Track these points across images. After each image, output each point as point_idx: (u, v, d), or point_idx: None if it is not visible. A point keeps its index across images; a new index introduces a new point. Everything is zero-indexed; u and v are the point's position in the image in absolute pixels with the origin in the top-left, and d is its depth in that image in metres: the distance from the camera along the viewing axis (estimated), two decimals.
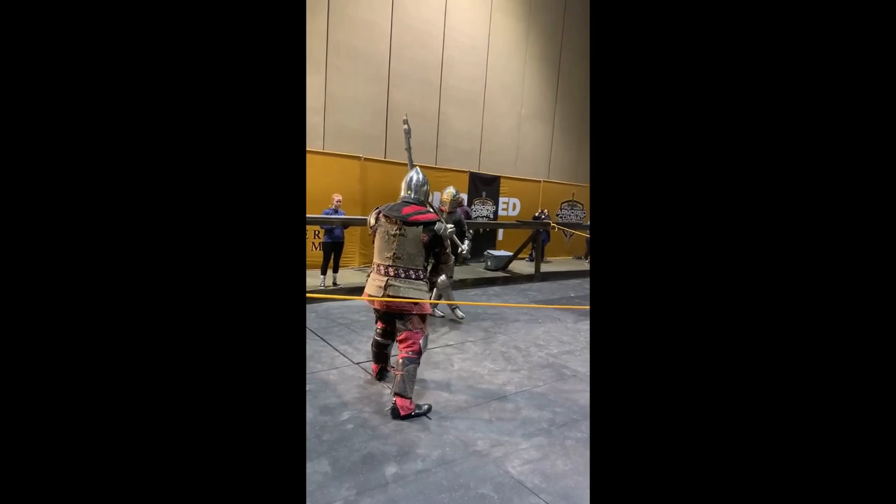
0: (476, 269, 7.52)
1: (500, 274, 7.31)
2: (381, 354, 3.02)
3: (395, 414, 2.53)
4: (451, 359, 3.54)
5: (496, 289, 6.59)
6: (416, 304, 2.62)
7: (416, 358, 2.63)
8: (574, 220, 10.09)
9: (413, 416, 2.54)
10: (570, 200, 10.26)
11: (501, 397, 2.91)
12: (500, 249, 8.17)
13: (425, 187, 2.84)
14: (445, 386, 3.03)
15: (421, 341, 2.68)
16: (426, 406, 2.66)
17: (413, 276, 2.65)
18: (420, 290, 2.67)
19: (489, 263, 7.60)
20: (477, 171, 8.59)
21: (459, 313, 4.60)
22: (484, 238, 8.51)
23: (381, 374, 3.06)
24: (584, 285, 7.37)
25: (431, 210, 2.91)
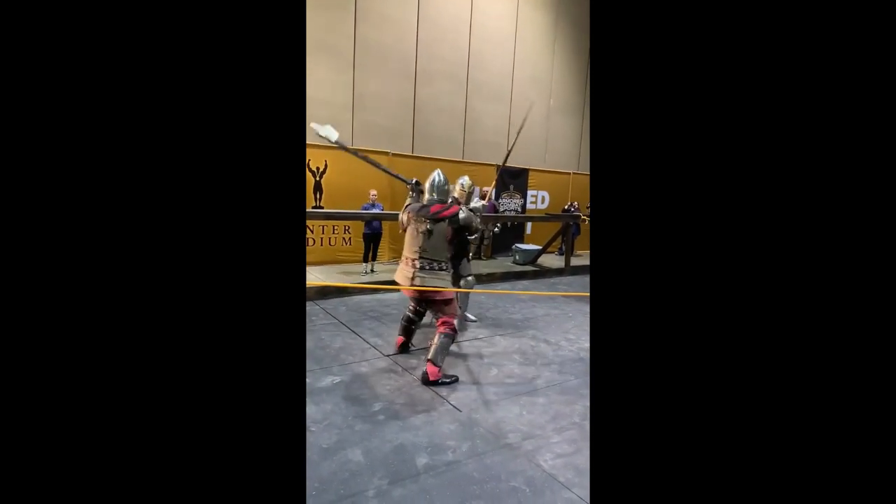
0: (504, 264, 7.47)
1: (529, 268, 7.23)
2: (408, 329, 3.39)
3: (425, 379, 2.89)
4: (480, 352, 3.54)
5: (525, 282, 6.53)
6: (438, 291, 3.03)
7: (451, 334, 3.02)
8: None
9: (440, 384, 2.88)
10: None
11: (532, 391, 2.89)
12: (528, 243, 8.07)
13: (446, 186, 3.25)
14: (475, 379, 3.03)
15: (455, 322, 3.08)
16: (453, 377, 2.97)
17: (437, 268, 3.04)
18: (443, 279, 3.06)
19: (518, 257, 7.52)
20: (505, 165, 8.50)
21: (470, 317, 4.42)
22: (512, 232, 8.43)
23: (404, 348, 3.42)
24: None
25: (453, 204, 3.29)
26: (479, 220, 3.28)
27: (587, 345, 3.85)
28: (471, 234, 3.51)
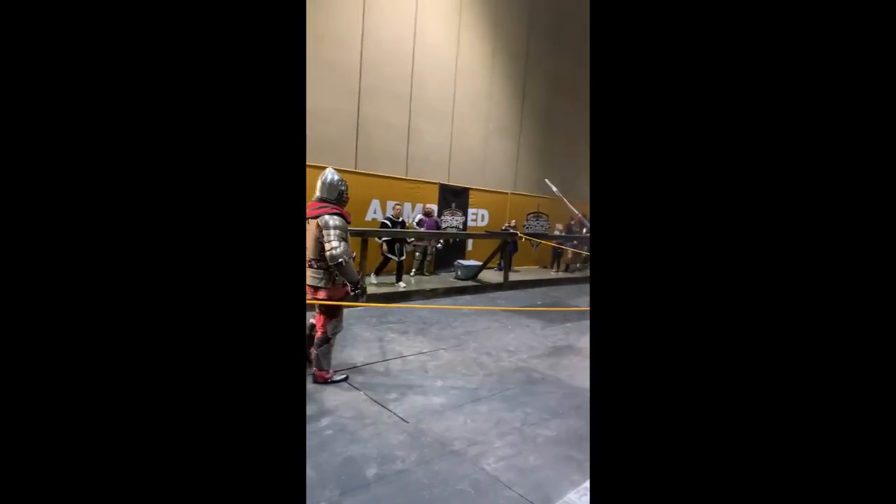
0: (447, 279, 7.65)
1: (470, 283, 7.47)
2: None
3: (315, 380, 3.11)
4: (425, 366, 3.64)
5: (467, 297, 6.74)
6: (315, 290, 3.02)
7: (323, 338, 3.09)
8: (539, 230, 10.43)
9: (330, 383, 3.11)
10: (536, 212, 10.60)
11: (475, 400, 3.04)
12: (469, 259, 8.34)
13: (342, 187, 3.06)
14: (421, 391, 3.12)
15: (329, 327, 3.09)
16: (343, 376, 3.21)
17: (315, 266, 2.99)
18: (319, 278, 2.99)
19: (459, 273, 7.74)
20: (447, 183, 8.78)
21: None
22: (454, 248, 8.67)
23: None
24: (550, 293, 7.64)
25: (330, 207, 3.00)
26: (339, 245, 2.87)
27: (525, 355, 4.08)
28: (331, 255, 2.87)
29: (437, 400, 3.00)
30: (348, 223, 3.01)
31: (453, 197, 8.82)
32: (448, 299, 6.53)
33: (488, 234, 8.63)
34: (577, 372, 3.76)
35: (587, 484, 2.17)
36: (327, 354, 3.12)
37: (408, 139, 8.40)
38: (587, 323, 5.65)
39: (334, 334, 3.12)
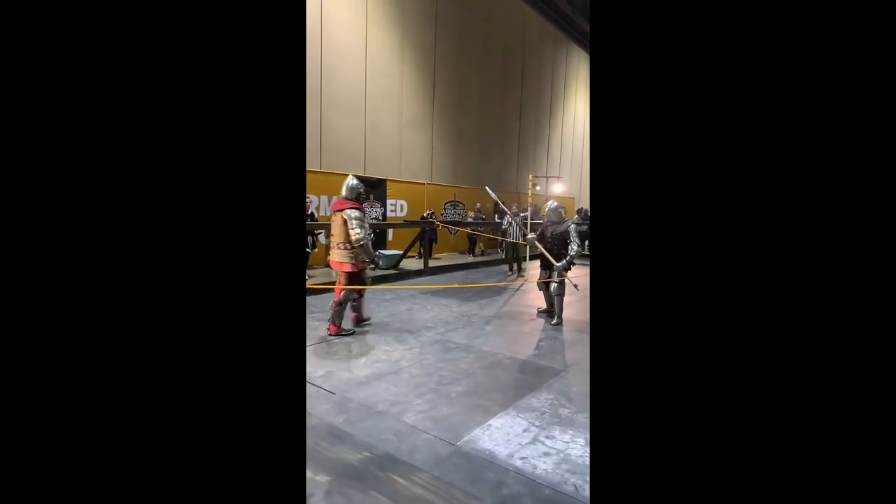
0: (368, 269, 7.84)
1: (391, 271, 7.74)
2: (355, 306, 4.54)
3: (328, 333, 4.16)
4: (349, 346, 3.89)
5: (389, 285, 7.02)
6: (342, 263, 4.16)
7: (339, 301, 4.15)
8: (457, 218, 10.98)
9: (340, 335, 4.14)
10: (452, 200, 11.13)
11: (396, 371, 3.36)
12: (390, 249, 8.60)
13: (360, 190, 4.26)
14: (346, 368, 3.38)
15: (343, 294, 4.17)
16: (350, 331, 4.25)
17: (342, 248, 4.14)
18: (343, 257, 4.12)
19: (381, 262, 7.98)
20: (363, 175, 8.91)
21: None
22: (375, 239, 8.87)
23: (357, 321, 4.57)
24: (468, 276, 8.18)
25: (353, 202, 4.18)
26: (360, 231, 4.00)
27: (443, 329, 4.49)
28: (355, 239, 4.04)
29: (362, 373, 3.28)
30: (365, 215, 4.13)
31: (371, 188, 8.98)
32: (371, 288, 6.75)
33: (407, 224, 8.94)
34: (489, 339, 4.24)
35: (490, 421, 2.61)
36: (340, 314, 4.13)
37: (320, 132, 8.38)
38: (499, 298, 6.24)
39: (346, 300, 4.18)
